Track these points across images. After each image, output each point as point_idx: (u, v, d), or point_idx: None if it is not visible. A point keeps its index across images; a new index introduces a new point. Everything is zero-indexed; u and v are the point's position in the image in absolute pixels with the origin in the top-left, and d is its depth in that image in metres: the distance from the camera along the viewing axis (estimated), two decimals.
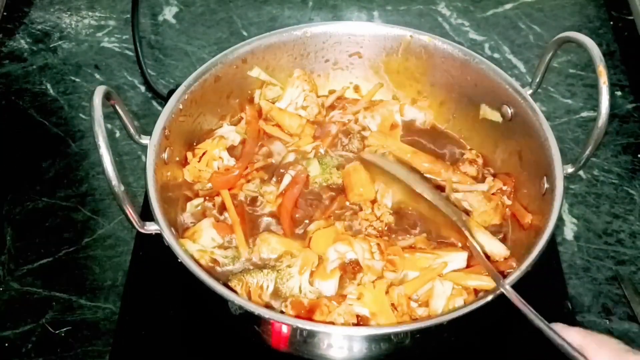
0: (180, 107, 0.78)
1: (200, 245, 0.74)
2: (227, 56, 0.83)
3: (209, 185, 0.81)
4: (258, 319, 0.63)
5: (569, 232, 0.88)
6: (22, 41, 1.13)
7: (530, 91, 0.80)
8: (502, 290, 0.63)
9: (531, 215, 0.76)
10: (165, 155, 0.75)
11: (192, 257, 0.68)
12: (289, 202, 0.78)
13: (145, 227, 0.67)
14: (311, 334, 0.64)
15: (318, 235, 0.75)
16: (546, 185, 0.73)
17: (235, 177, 0.80)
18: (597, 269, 0.85)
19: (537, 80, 0.79)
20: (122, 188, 0.63)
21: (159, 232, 0.67)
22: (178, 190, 0.79)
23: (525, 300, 0.64)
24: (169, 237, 0.66)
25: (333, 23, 0.88)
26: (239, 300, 0.63)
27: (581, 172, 0.94)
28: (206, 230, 0.75)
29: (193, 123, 0.81)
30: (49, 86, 1.05)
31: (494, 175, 0.83)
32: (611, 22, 1.15)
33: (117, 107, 0.70)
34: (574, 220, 0.89)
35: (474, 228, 0.76)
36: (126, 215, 0.64)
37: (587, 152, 0.72)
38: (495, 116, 0.83)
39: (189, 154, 0.81)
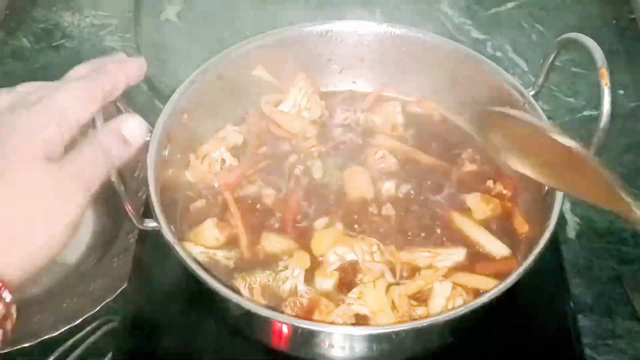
0: (182, 104, 0.78)
1: (203, 248, 0.74)
2: (230, 54, 0.83)
3: (215, 184, 0.80)
4: (257, 318, 0.64)
5: (571, 231, 0.88)
6: (25, 40, 1.13)
7: (532, 92, 0.79)
8: None
9: (528, 226, 0.76)
10: (166, 152, 0.75)
11: (190, 254, 0.67)
12: (291, 203, 0.78)
13: (144, 224, 0.67)
14: (312, 334, 0.64)
15: (319, 237, 0.75)
16: (547, 187, 0.73)
17: (237, 178, 0.80)
18: (599, 268, 0.85)
19: (540, 81, 0.79)
20: (122, 186, 0.63)
21: (157, 228, 0.67)
22: (179, 190, 0.79)
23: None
24: (167, 233, 0.66)
25: (336, 22, 0.88)
26: (236, 298, 0.63)
27: None
28: (209, 230, 0.75)
29: (195, 121, 0.81)
30: None
31: (494, 179, 0.82)
32: (614, 21, 1.15)
33: (118, 104, 0.70)
34: (577, 219, 0.89)
35: (474, 226, 0.77)
36: (125, 212, 0.65)
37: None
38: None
39: (192, 156, 0.81)
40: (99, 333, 0.77)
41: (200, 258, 0.73)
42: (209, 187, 0.81)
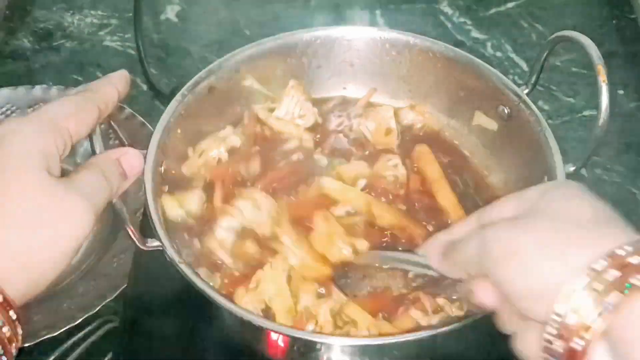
0: (175, 119, 0.77)
1: (184, 210, 0.74)
2: (219, 65, 0.81)
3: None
4: (262, 332, 0.64)
5: None
6: (25, 40, 1.13)
7: (526, 90, 0.79)
8: None
9: None
10: (162, 169, 0.74)
11: (191, 267, 0.67)
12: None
13: (147, 244, 0.66)
14: (308, 345, 0.64)
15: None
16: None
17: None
18: None
19: (533, 79, 0.79)
20: (124, 207, 0.63)
21: (161, 247, 0.66)
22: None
23: None
24: (171, 253, 0.65)
25: (324, 28, 0.87)
26: (242, 313, 0.62)
27: (584, 171, 0.93)
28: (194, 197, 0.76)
29: (189, 135, 0.80)
30: (51, 85, 1.05)
31: None
32: (614, 21, 1.15)
33: (112, 122, 0.69)
34: None
35: None
36: (127, 232, 0.65)
37: (588, 150, 0.72)
38: (491, 124, 0.82)
39: (190, 149, 0.81)
40: (99, 333, 0.78)
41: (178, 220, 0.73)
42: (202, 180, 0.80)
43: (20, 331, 0.49)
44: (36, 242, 0.49)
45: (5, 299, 0.48)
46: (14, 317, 0.48)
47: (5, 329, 0.48)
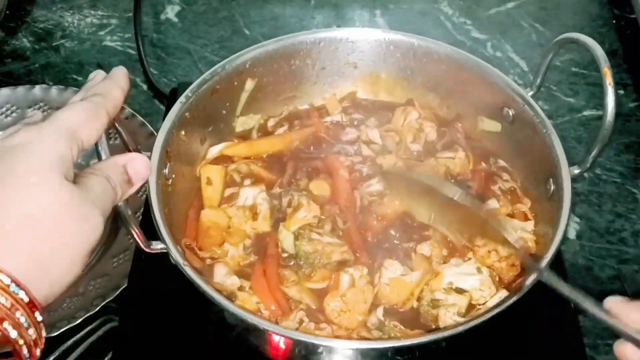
0: (179, 121, 0.76)
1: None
2: (223, 67, 0.81)
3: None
4: (264, 334, 0.64)
5: (571, 231, 0.88)
6: (25, 40, 1.13)
7: (531, 92, 0.79)
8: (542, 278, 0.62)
9: None
10: (166, 171, 0.74)
11: (194, 269, 0.66)
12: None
13: (151, 247, 0.66)
14: (313, 347, 0.64)
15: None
16: (552, 187, 0.72)
17: None
18: (599, 268, 0.85)
19: (538, 81, 0.79)
20: (129, 210, 0.63)
21: (165, 250, 0.66)
22: (180, 204, 0.78)
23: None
24: (175, 255, 0.65)
25: (328, 30, 0.87)
26: (245, 314, 0.63)
27: None
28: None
29: (192, 137, 0.80)
30: (51, 85, 1.05)
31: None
32: (614, 21, 1.15)
33: (117, 125, 0.69)
34: (577, 219, 0.89)
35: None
36: (132, 235, 0.64)
37: (593, 153, 0.71)
38: (495, 126, 0.82)
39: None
40: (99, 333, 0.77)
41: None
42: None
43: (44, 334, 0.50)
44: (57, 244, 0.50)
45: (30, 299, 0.48)
46: (40, 318, 0.49)
47: (30, 331, 0.48)
